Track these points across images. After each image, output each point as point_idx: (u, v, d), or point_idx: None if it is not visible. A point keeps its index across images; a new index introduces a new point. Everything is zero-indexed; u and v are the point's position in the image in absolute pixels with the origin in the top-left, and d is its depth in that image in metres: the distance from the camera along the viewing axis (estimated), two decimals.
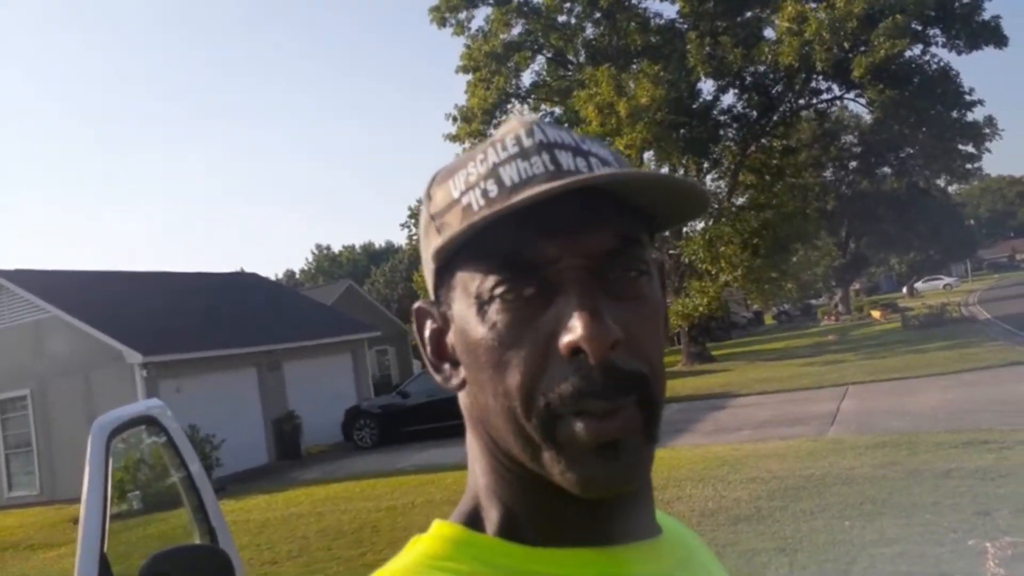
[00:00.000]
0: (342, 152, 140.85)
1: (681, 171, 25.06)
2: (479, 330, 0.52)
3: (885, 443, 8.40)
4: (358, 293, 30.52)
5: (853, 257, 44.16)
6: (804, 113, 24.99)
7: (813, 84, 22.47)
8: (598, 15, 24.88)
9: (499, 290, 0.51)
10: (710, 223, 23.90)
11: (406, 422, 15.91)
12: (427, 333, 0.59)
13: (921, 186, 38.57)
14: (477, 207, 0.52)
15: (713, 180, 27.78)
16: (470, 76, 25.85)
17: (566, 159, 0.53)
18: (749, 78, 22.62)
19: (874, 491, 6.51)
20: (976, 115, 21.58)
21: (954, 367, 13.87)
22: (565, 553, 0.53)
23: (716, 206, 25.44)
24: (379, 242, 67.74)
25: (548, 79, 26.94)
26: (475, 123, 25.53)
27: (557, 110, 26.38)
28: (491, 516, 0.56)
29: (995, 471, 6.54)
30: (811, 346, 24.95)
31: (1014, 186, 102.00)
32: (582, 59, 25.49)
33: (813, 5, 19.92)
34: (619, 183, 0.50)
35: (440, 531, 0.56)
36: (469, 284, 0.53)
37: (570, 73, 25.97)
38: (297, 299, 24.41)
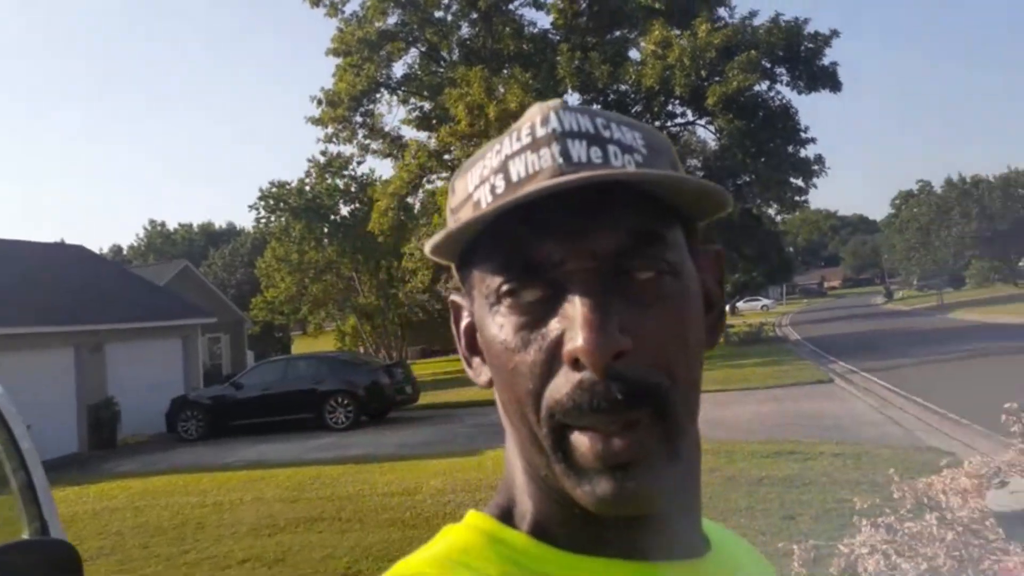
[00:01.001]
0: (185, 124, 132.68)
1: None
2: (491, 331, 0.50)
3: (707, 451, 8.67)
4: (194, 275, 28.64)
5: (758, 275, 46.79)
6: None
7: (670, 107, 23.70)
8: (475, 15, 24.98)
9: (504, 290, 0.49)
10: None
11: (238, 415, 15.16)
12: (462, 326, 0.57)
13: (753, 212, 41.59)
14: (485, 203, 0.50)
15: None
16: (340, 60, 25.19)
17: (578, 150, 0.50)
18: (613, 95, 23.49)
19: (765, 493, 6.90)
20: (809, 152, 23.64)
21: (768, 382, 14.92)
22: (597, 563, 0.51)
23: None
24: (220, 223, 64.36)
25: (420, 73, 26.73)
26: (341, 108, 24.94)
27: (427, 105, 26.23)
28: (525, 514, 0.53)
29: (800, 479, 7.11)
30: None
31: (828, 219, 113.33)
32: (455, 57, 25.51)
33: (677, 32, 21.01)
34: (621, 181, 0.46)
35: (474, 522, 0.54)
36: (481, 283, 0.51)
37: (442, 70, 25.90)
38: (125, 277, 22.63)
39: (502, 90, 21.32)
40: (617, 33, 24.40)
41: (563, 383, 0.47)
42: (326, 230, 30.05)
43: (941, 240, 56.03)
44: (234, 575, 6.06)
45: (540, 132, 0.51)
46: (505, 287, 0.49)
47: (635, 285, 0.48)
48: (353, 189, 30.38)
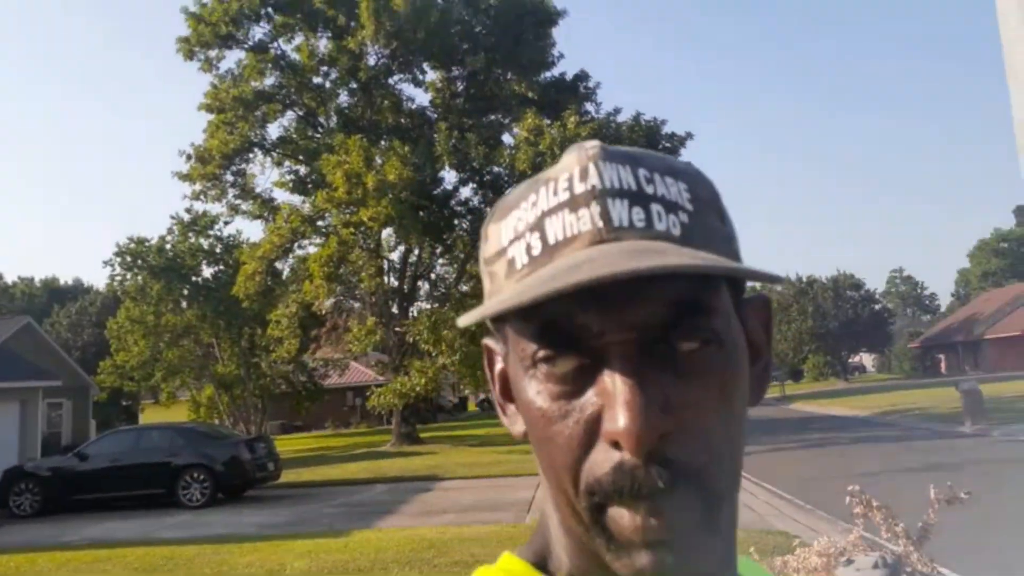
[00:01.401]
0: (35, 171, 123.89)
1: (417, 251, 25.87)
2: (528, 394, 0.48)
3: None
4: (36, 334, 26.43)
5: None
6: None
7: None
8: (355, 85, 25.31)
9: (540, 357, 0.47)
10: (436, 306, 24.78)
11: (81, 488, 13.99)
12: (496, 371, 0.55)
13: None
14: (520, 264, 0.49)
15: (443, 265, 28.98)
16: (213, 116, 24.67)
17: (619, 211, 0.47)
18: (488, 176, 24.27)
19: None
20: None
21: None
22: None
23: (444, 290, 26.46)
24: (65, 279, 59.81)
25: (296, 137, 26.58)
26: (211, 165, 24.30)
27: (302, 169, 26.03)
28: (561, 566, 0.52)
29: None
30: (509, 434, 26.45)
31: None
32: (333, 124, 25.59)
33: (548, 122, 22.18)
34: (653, 273, 0.42)
35: (509, 566, 0.53)
36: (516, 344, 0.49)
37: (319, 135, 25.89)
38: None
39: (380, 161, 21.58)
40: (492, 117, 25.42)
41: (602, 460, 0.45)
42: (186, 292, 28.70)
43: (782, 334, 59.71)
44: None
45: (579, 188, 0.49)
46: (541, 354, 0.47)
47: (678, 357, 0.46)
48: (218, 250, 29.31)
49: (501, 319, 0.51)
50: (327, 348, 28.61)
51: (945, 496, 4.21)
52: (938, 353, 55.90)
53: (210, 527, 11.53)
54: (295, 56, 25.43)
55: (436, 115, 25.35)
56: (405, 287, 25.78)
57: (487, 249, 0.53)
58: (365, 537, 9.97)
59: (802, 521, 9.18)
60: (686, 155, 23.95)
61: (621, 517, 0.45)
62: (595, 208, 0.48)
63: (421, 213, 22.84)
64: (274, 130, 26.70)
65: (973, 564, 6.24)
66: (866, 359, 69.46)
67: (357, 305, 27.16)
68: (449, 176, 25.61)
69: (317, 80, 25.82)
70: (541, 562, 0.53)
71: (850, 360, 63.74)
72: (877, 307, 60.77)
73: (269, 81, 25.39)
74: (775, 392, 49.43)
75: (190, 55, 24.55)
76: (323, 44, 25.47)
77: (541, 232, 0.48)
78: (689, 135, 23.45)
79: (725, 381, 0.47)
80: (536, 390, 0.48)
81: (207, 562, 8.87)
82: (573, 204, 0.48)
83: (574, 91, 24.92)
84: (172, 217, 29.16)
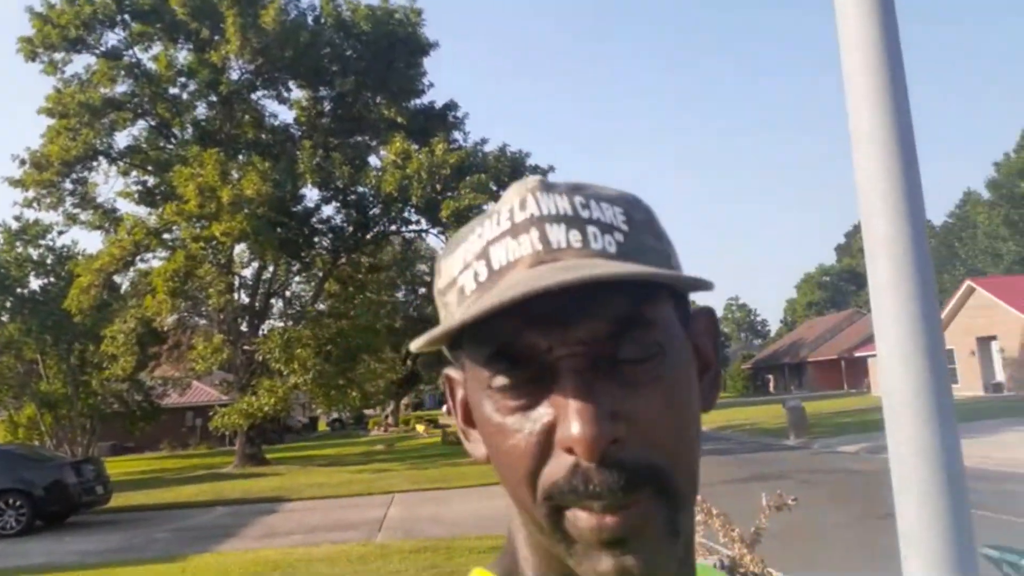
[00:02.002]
0: None
1: (272, 268, 25.07)
2: (485, 412, 0.50)
3: (427, 547, 9.17)
4: None
5: (409, 373, 47.79)
6: (393, 237, 27.17)
7: (406, 214, 24.73)
8: (215, 98, 24.40)
9: (495, 380, 0.49)
10: (289, 324, 24.07)
11: None
12: (458, 400, 0.57)
13: None
14: (468, 291, 0.51)
15: (299, 283, 28.22)
16: (54, 121, 22.99)
17: (556, 235, 0.50)
18: (352, 195, 24.01)
19: None
20: None
21: (483, 480, 15.65)
22: None
23: (299, 308, 25.77)
24: None
25: (146, 146, 25.19)
26: (48, 172, 22.62)
27: (150, 179, 24.67)
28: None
29: None
30: (362, 454, 26.05)
31: None
32: (188, 135, 24.49)
33: (416, 147, 22.34)
34: (592, 282, 0.45)
35: None
36: (472, 366, 0.51)
37: (172, 146, 24.68)
38: None
39: (237, 175, 20.87)
40: (359, 138, 25.26)
41: (558, 467, 0.47)
42: (9, 304, 26.29)
43: None
44: None
45: (519, 217, 0.51)
46: (495, 376, 0.49)
47: (625, 369, 0.48)
48: (49, 261, 27.10)
49: (458, 346, 0.53)
50: (168, 366, 27.01)
51: (775, 503, 4.54)
52: (767, 373, 60.34)
53: (27, 556, 10.60)
54: (151, 65, 24.30)
55: (300, 133, 24.88)
56: (257, 304, 24.89)
57: (440, 282, 0.55)
58: (204, 561, 9.51)
59: None
60: None
61: (578, 519, 0.47)
62: (534, 233, 0.50)
63: (279, 229, 22.22)
64: (123, 139, 25.22)
65: (798, 563, 6.88)
66: None
67: (203, 322, 25.91)
68: (311, 194, 25.13)
69: (174, 91, 24.73)
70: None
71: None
72: None
73: (121, 88, 24.10)
74: None
75: (32, 56, 22.91)
76: (183, 55, 24.54)
77: (487, 259, 0.51)
78: (551, 167, 24.32)
79: (670, 389, 0.49)
80: (493, 407, 0.50)
81: None
82: (514, 232, 0.51)
83: (443, 119, 25.23)
84: None
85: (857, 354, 42.91)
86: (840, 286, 73.05)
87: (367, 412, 52.75)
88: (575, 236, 0.50)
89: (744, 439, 22.32)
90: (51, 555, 10.64)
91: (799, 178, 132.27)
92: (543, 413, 0.48)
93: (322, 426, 50.81)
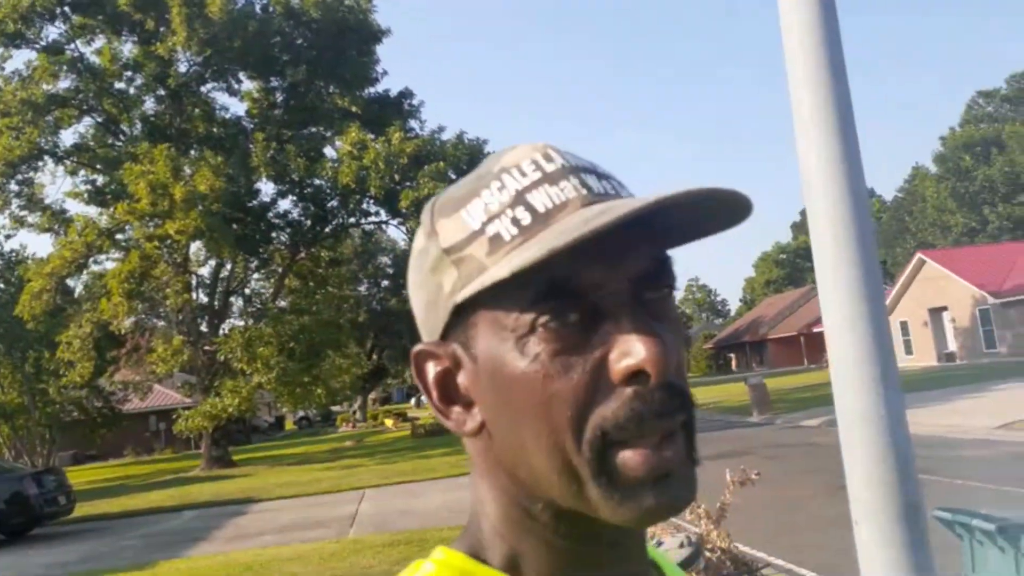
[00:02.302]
0: None
1: (229, 266, 24.68)
2: (518, 364, 0.49)
3: (399, 541, 9.17)
4: None
5: (375, 368, 47.60)
6: (353, 230, 26.93)
7: (365, 206, 24.51)
8: (163, 92, 23.84)
9: (543, 320, 0.48)
10: (250, 323, 23.76)
11: None
12: (431, 376, 0.54)
13: None
14: (509, 236, 0.49)
15: (258, 280, 27.83)
16: None
17: (594, 182, 0.52)
18: (309, 188, 23.71)
19: None
20: None
21: (453, 471, 15.64)
22: None
23: (260, 306, 25.44)
24: None
25: (94, 144, 24.53)
26: None
27: (100, 178, 24.05)
28: (494, 552, 0.55)
29: None
30: (330, 451, 25.90)
31: None
32: (137, 131, 23.90)
33: (373, 136, 22.11)
34: (673, 203, 0.47)
35: (445, 558, 0.55)
36: (502, 319, 0.49)
37: (121, 143, 24.07)
38: None
39: (189, 171, 20.48)
40: (313, 129, 24.92)
41: (616, 401, 0.48)
42: None
43: None
44: None
45: (549, 167, 0.52)
46: (544, 315, 0.48)
47: (655, 305, 0.51)
48: None
49: (469, 302, 0.51)
50: (127, 370, 26.51)
51: (739, 478, 4.64)
52: (729, 352, 61.08)
53: None
54: (95, 59, 23.60)
55: (253, 126, 24.43)
56: (216, 303, 24.52)
57: (445, 240, 0.52)
58: (173, 567, 9.40)
59: None
60: None
61: (631, 457, 0.48)
62: (573, 180, 0.51)
63: (235, 226, 21.88)
64: (68, 137, 24.68)
65: (764, 535, 7.04)
66: None
67: (161, 324, 25.45)
68: (267, 188, 24.76)
69: (120, 85, 24.08)
70: (475, 554, 0.55)
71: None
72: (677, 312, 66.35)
73: (64, 84, 23.41)
74: None
75: None
76: (128, 48, 23.89)
77: (526, 205, 0.50)
78: None
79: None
80: (533, 355, 0.49)
81: None
82: (550, 179, 0.51)
83: (398, 108, 25.01)
84: None
85: (816, 330, 43.79)
86: (797, 263, 74.35)
87: (334, 409, 52.44)
88: (607, 185, 0.52)
89: (708, 418, 22.66)
90: (15, 568, 10.46)
91: (753, 158, 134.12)
92: (593, 352, 0.48)
93: (289, 425, 50.41)
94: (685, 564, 3.89)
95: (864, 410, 1.61)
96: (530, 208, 0.50)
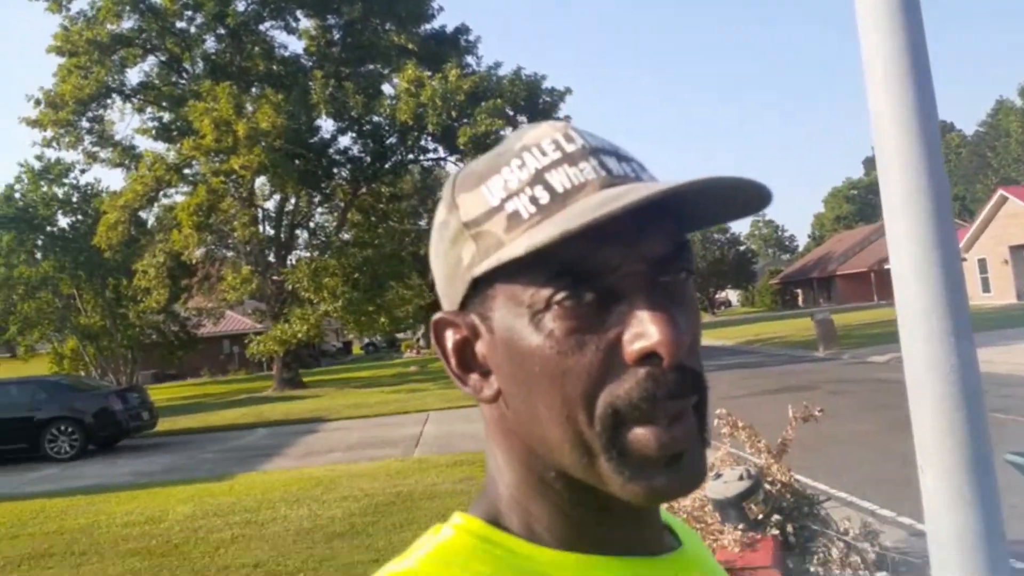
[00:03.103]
0: None
1: (294, 200, 25.18)
2: (533, 339, 0.50)
3: (462, 461, 9.53)
4: None
5: (436, 298, 48.24)
6: (412, 166, 27.02)
7: (423, 143, 24.51)
8: (223, 31, 24.01)
9: (558, 298, 0.49)
10: (316, 255, 24.32)
11: None
12: (450, 344, 0.56)
13: None
14: (527, 214, 0.50)
15: (322, 214, 28.34)
16: (64, 60, 22.84)
17: (614, 164, 0.52)
18: (367, 125, 23.78)
19: (454, 503, 7.38)
20: None
21: None
22: (587, 560, 0.53)
23: (324, 239, 25.96)
24: None
25: (159, 83, 25.01)
26: (64, 111, 22.65)
27: (166, 115, 24.61)
28: (512, 519, 0.55)
29: None
30: (395, 376, 26.66)
31: None
32: (200, 70, 24.24)
33: (429, 73, 21.92)
34: (690, 190, 0.47)
35: (461, 523, 0.55)
36: (519, 294, 0.50)
37: (184, 82, 24.48)
38: None
39: (251, 108, 20.75)
40: (371, 67, 24.80)
41: (629, 380, 0.48)
42: (40, 242, 26.82)
43: None
44: None
45: (570, 147, 0.52)
46: (559, 293, 0.49)
47: (672, 287, 0.51)
48: (75, 199, 27.44)
49: (487, 278, 0.52)
50: (200, 297, 27.62)
51: (801, 414, 4.62)
52: (796, 288, 60.15)
53: (82, 479, 11.15)
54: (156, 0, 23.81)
55: (311, 63, 24.51)
56: (282, 236, 25.15)
57: (465, 214, 0.53)
58: (250, 479, 9.95)
59: None
60: (565, 111, 24.30)
61: (642, 436, 0.49)
62: (593, 161, 0.51)
63: (297, 162, 22.21)
64: (134, 75, 25.09)
65: (825, 470, 7.10)
66: (732, 295, 74.05)
67: (231, 254, 26.27)
68: (327, 125, 24.90)
69: (181, 24, 24.33)
70: (493, 520, 0.55)
71: (717, 296, 68.01)
72: (742, 248, 66.24)
73: (127, 24, 23.73)
74: None
75: None
76: None
77: (545, 184, 0.50)
78: (568, 90, 23.77)
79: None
80: (547, 331, 0.49)
81: (82, 512, 8.61)
82: (569, 160, 0.51)
83: (454, 44, 24.66)
84: (20, 164, 27.00)
85: (887, 266, 42.27)
86: (868, 199, 71.80)
87: (399, 335, 53.67)
88: (627, 167, 0.52)
89: (772, 352, 22.44)
90: (105, 477, 11.19)
91: (825, 92, 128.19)
92: (607, 331, 0.49)
93: (356, 350, 51.82)
94: (744, 496, 3.94)
95: (934, 360, 1.55)
96: (549, 187, 0.51)
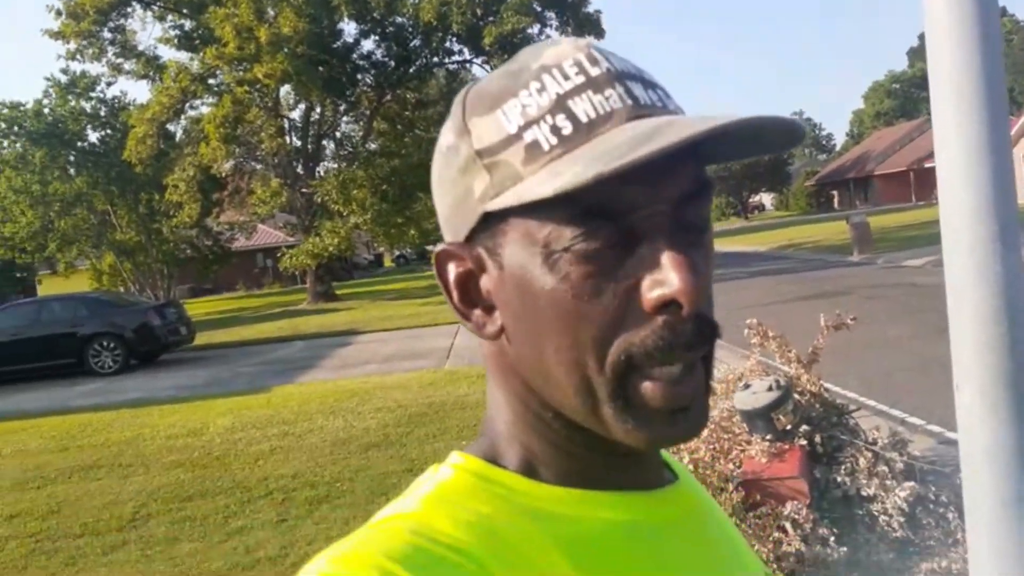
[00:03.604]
0: None
1: (319, 109, 24.84)
2: (547, 280, 0.47)
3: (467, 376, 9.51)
4: None
5: None
6: (436, 70, 26.39)
7: (448, 44, 23.80)
8: None
9: (576, 240, 0.46)
10: (343, 166, 24.17)
11: None
12: (451, 277, 0.53)
13: None
14: (548, 146, 0.46)
15: (347, 123, 27.99)
16: None
17: (640, 92, 0.48)
18: (391, 27, 23.11)
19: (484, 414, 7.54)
20: None
21: None
22: (586, 495, 0.52)
23: (351, 149, 25.74)
24: None
25: None
26: (85, 21, 22.28)
27: (187, 23, 24.13)
28: (510, 456, 0.54)
29: None
30: (427, 288, 26.77)
31: None
32: None
33: None
34: (726, 130, 0.44)
35: (460, 462, 0.54)
36: (534, 231, 0.47)
37: None
38: None
39: (272, 13, 20.23)
40: None
41: (644, 328, 0.47)
42: (72, 158, 26.99)
43: None
44: (1, 533, 5.68)
45: (594, 71, 0.48)
46: (578, 234, 0.46)
47: (692, 229, 0.49)
48: (103, 113, 27.41)
49: (500, 212, 0.48)
50: (231, 211, 27.81)
51: (833, 323, 4.51)
52: (832, 190, 58.33)
53: (125, 393, 11.50)
54: None
55: None
56: (309, 147, 24.96)
57: (479, 140, 0.49)
58: (287, 392, 10.20)
59: None
60: (596, 5, 23.28)
61: (650, 389, 0.47)
62: (619, 88, 0.48)
63: (321, 69, 21.76)
64: None
65: (856, 378, 6.98)
66: (765, 198, 72.40)
67: (259, 167, 26.25)
68: (349, 28, 24.23)
69: None
70: (491, 458, 0.55)
71: (750, 200, 66.62)
72: None
73: None
74: None
75: None
76: None
77: (568, 113, 0.47)
78: None
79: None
80: (563, 273, 0.47)
81: (127, 425, 8.90)
82: (594, 86, 0.47)
83: None
84: (47, 79, 26.83)
85: (927, 165, 41.08)
86: (911, 93, 68.84)
87: (429, 248, 53.59)
88: (653, 95, 0.49)
89: (806, 257, 22.07)
90: (147, 391, 11.55)
91: None
92: (626, 275, 0.47)
93: (388, 262, 52.26)
94: (773, 407, 3.90)
95: (976, 268, 1.47)
96: (572, 116, 0.47)
